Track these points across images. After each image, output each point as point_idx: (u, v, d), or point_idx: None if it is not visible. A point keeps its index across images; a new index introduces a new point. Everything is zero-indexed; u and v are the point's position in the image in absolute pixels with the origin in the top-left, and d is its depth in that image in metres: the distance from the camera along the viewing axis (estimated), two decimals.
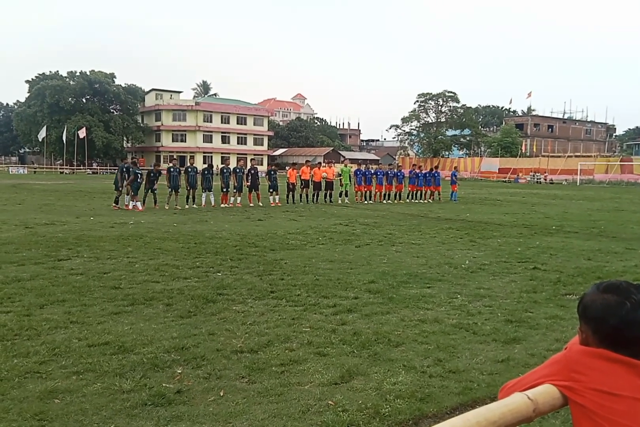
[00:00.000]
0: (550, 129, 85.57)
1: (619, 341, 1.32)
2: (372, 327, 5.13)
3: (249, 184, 19.95)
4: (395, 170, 24.16)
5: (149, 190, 18.20)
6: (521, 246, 10.48)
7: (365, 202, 22.38)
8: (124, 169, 18.22)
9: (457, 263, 8.57)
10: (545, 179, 52.93)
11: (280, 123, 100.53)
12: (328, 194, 22.12)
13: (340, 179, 22.36)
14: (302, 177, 21.48)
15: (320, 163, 23.25)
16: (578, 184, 49.59)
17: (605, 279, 7.29)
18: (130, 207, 17.60)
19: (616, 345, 1.32)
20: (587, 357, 1.34)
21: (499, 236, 11.98)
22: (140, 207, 17.48)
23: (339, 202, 21.93)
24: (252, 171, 20.20)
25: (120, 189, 18.10)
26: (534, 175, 54.35)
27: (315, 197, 21.87)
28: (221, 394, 3.67)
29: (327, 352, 4.47)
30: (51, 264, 7.92)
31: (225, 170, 19.63)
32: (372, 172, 22.87)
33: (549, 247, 10.34)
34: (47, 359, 4.20)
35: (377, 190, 22.92)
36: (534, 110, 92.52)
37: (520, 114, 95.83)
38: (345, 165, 22.97)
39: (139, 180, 17.95)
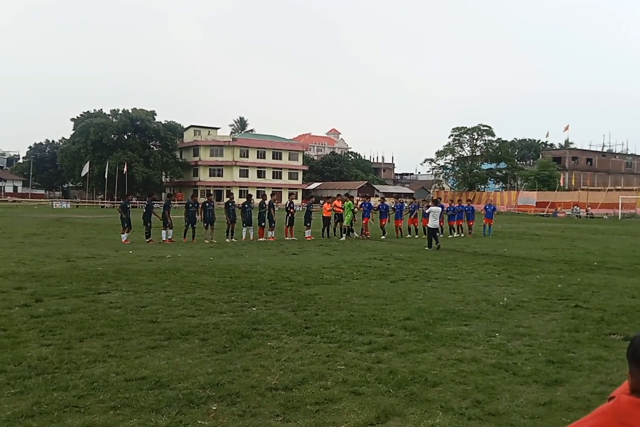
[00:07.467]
0: (589, 162, 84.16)
1: None
2: (408, 366, 5.04)
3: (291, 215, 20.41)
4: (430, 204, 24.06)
5: (189, 224, 18.57)
6: (562, 283, 10.21)
7: (408, 235, 22.26)
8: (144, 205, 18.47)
9: (495, 300, 8.39)
10: (587, 213, 51.77)
11: (315, 157, 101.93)
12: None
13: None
14: (335, 211, 21.54)
15: (352, 196, 23.30)
16: (620, 218, 48.30)
17: None
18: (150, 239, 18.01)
19: None
20: (637, 408, 1.29)
21: (538, 272, 11.70)
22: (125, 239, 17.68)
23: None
24: (292, 205, 20.60)
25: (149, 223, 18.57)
26: (573, 209, 53.28)
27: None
28: None
29: (362, 391, 4.40)
30: (91, 297, 8.10)
31: (262, 205, 19.95)
32: (405, 206, 22.86)
33: (590, 284, 10.05)
34: (86, 393, 4.25)
35: (410, 224, 22.78)
36: (571, 143, 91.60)
37: (558, 147, 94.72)
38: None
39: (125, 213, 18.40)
